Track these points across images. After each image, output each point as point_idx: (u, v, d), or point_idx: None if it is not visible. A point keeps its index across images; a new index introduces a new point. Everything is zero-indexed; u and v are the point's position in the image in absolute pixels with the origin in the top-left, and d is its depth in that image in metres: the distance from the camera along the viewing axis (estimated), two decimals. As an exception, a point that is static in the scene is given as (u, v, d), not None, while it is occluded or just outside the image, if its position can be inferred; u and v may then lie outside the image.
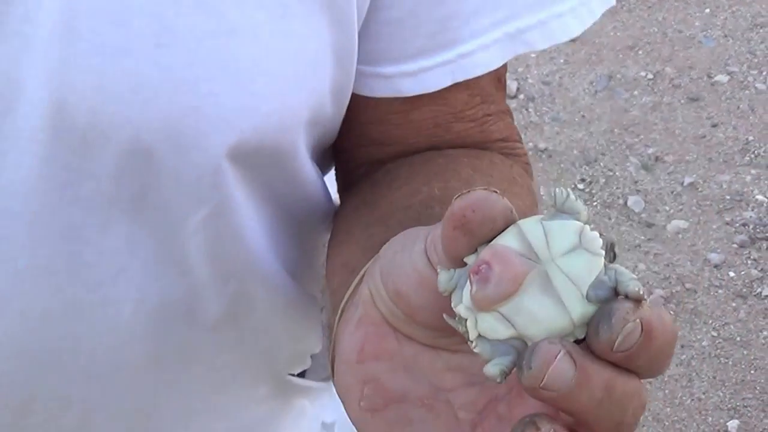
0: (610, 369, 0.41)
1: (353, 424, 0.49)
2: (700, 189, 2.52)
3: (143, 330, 0.60)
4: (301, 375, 0.75)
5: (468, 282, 0.42)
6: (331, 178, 0.69)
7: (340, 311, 0.52)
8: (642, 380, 0.42)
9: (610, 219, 2.45)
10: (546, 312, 0.41)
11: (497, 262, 0.41)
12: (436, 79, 0.62)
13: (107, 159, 0.53)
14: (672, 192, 2.52)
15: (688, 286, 2.30)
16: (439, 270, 0.43)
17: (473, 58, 0.62)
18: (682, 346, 2.19)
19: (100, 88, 0.51)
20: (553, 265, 0.41)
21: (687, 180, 2.53)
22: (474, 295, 0.41)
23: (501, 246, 0.41)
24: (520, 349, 0.41)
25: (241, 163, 0.57)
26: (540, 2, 0.62)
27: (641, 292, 0.40)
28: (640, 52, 2.86)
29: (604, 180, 2.55)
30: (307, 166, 0.62)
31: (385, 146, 0.65)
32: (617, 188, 2.53)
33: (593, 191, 2.52)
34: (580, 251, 0.41)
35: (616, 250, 0.42)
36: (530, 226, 0.41)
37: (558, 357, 0.40)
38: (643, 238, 2.42)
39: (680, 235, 2.41)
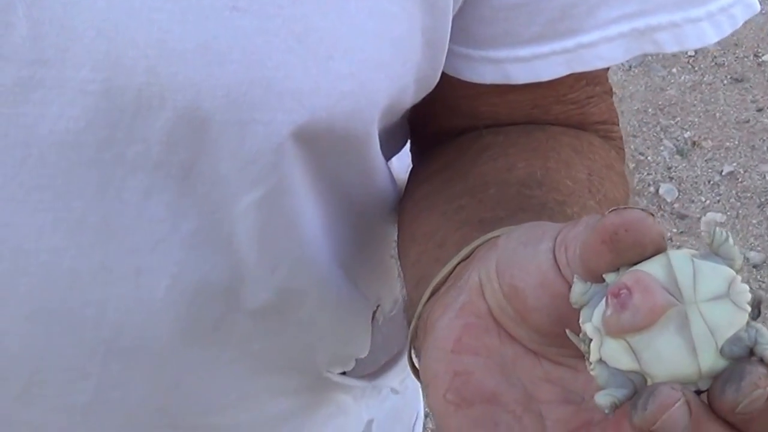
0: (724, 428, 0.41)
1: (432, 412, 0.49)
2: (740, 179, 2.52)
3: (177, 307, 0.60)
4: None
5: (603, 301, 0.42)
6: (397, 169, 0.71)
7: (431, 289, 0.53)
8: None
9: None
10: (676, 355, 0.41)
11: (639, 291, 0.42)
12: (550, 67, 0.64)
13: (160, 122, 0.53)
14: (709, 181, 2.52)
15: (722, 285, 2.32)
16: (575, 280, 0.44)
17: (595, 50, 0.63)
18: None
19: (162, 46, 0.51)
20: (695, 309, 0.41)
21: (726, 169, 2.53)
22: (607, 318, 0.42)
23: (646, 274, 0.42)
24: (638, 385, 0.42)
25: (305, 145, 0.57)
26: (676, 3, 0.63)
27: None
28: (681, 26, 2.86)
29: (634, 164, 2.54)
30: (377, 156, 0.63)
31: (477, 120, 0.67)
32: (648, 174, 2.52)
33: None
34: (726, 301, 0.41)
35: (763, 308, 0.42)
36: (680, 260, 0.42)
37: (677, 405, 0.40)
38: (674, 230, 2.42)
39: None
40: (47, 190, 0.54)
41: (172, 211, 0.57)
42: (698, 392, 0.42)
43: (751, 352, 0.41)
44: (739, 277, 0.42)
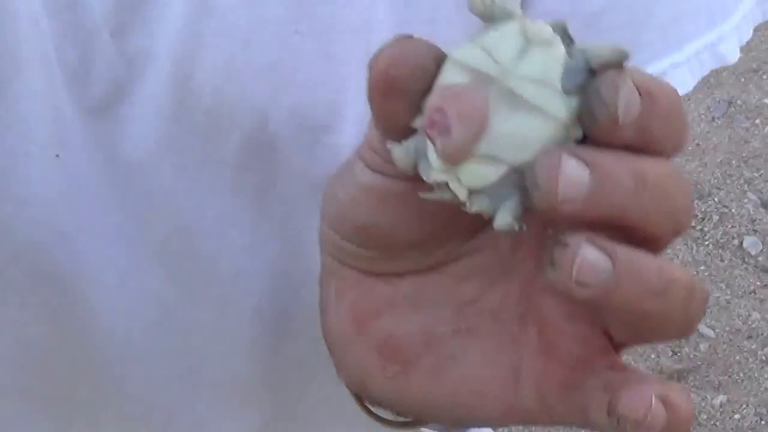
0: (629, 155, 0.38)
1: (388, 404, 0.46)
2: (826, 232, 2.55)
3: (260, 342, 0.58)
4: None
5: (428, 143, 0.38)
6: None
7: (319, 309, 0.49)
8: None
9: (722, 261, 2.43)
10: (528, 127, 0.37)
11: (450, 103, 0.37)
12: None
13: (231, 145, 0.52)
14: None
15: (808, 341, 2.33)
16: (390, 148, 0.40)
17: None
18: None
19: (227, 69, 0.51)
20: (512, 76, 0.37)
21: (812, 222, 2.57)
22: (442, 151, 0.37)
23: (445, 86, 0.38)
24: (520, 183, 0.38)
25: None
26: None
27: (621, 51, 0.37)
28: (765, 77, 2.83)
29: (717, 217, 2.53)
30: None
31: None
32: (732, 227, 2.51)
33: (705, 229, 2.51)
34: (533, 49, 0.38)
35: (570, 31, 0.38)
36: (466, 51, 0.38)
37: (562, 161, 0.37)
38: (759, 284, 2.40)
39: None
40: (131, 215, 0.54)
41: (251, 239, 0.56)
42: (581, 142, 0.38)
43: (592, 72, 0.37)
44: (527, 20, 0.38)
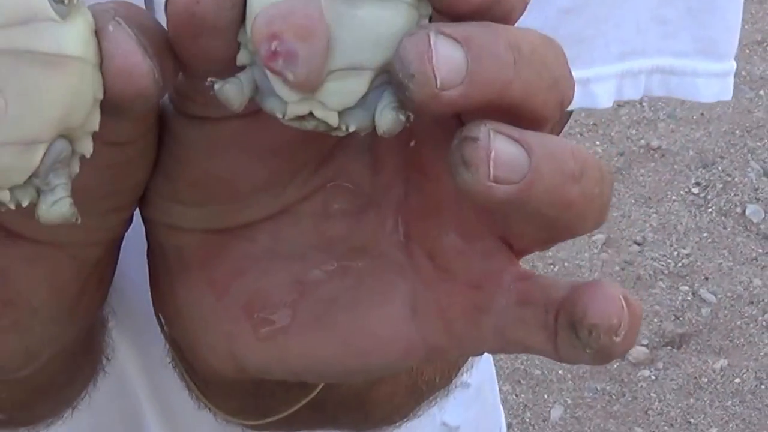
0: (497, 25, 0.32)
1: (269, 372, 0.38)
2: (827, 200, 2.51)
3: None
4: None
5: (270, 76, 0.31)
6: None
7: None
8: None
9: (725, 228, 2.41)
10: (377, 19, 0.31)
11: (283, 25, 0.30)
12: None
13: None
14: None
15: (809, 308, 2.29)
16: (215, 88, 0.32)
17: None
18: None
19: None
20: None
21: (814, 189, 2.52)
22: (295, 81, 0.31)
23: (267, 7, 0.30)
24: (393, 81, 0.31)
25: None
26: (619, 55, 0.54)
27: None
28: (770, 48, 2.85)
29: (721, 185, 2.50)
30: None
31: None
32: (735, 195, 2.49)
33: (709, 197, 2.49)
34: None
35: None
36: None
37: (432, 42, 0.30)
38: (760, 251, 2.38)
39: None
40: None
41: None
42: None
43: None
44: None
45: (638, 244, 2.41)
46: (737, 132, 2.60)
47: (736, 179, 2.51)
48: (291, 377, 0.39)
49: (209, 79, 0.32)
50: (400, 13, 0.31)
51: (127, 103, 0.31)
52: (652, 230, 2.45)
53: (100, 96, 0.31)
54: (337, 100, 0.31)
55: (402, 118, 0.31)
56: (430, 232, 0.37)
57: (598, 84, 0.53)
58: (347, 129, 0.32)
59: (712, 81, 0.56)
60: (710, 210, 2.45)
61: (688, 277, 2.33)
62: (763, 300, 2.28)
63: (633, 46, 0.54)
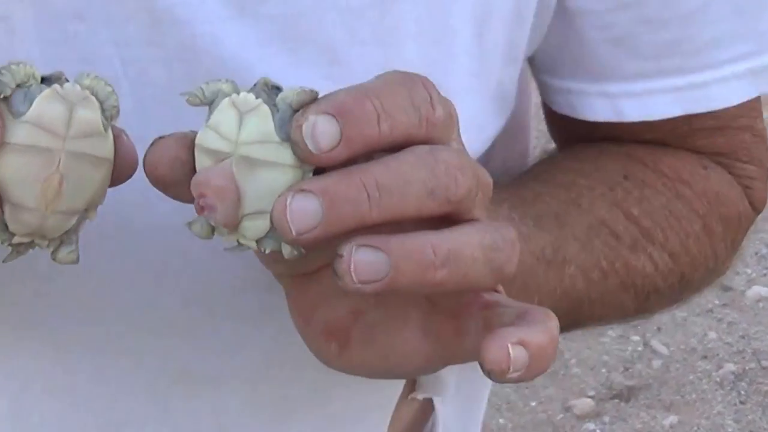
0: (357, 167, 0.43)
1: (348, 374, 0.51)
2: (788, 253, 2.54)
3: None
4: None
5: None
6: None
7: None
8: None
9: None
10: (270, 179, 0.44)
11: (205, 187, 0.44)
12: (662, 105, 0.65)
13: None
14: (756, 253, 2.50)
15: (764, 363, 2.27)
16: (188, 226, 0.46)
17: (707, 90, 0.64)
18: (752, 434, 2.16)
19: None
20: (239, 146, 0.44)
21: (775, 242, 2.56)
22: (216, 224, 0.45)
23: (197, 173, 0.45)
24: None
25: None
26: None
27: (307, 91, 0.44)
28: None
29: None
30: None
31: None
32: None
33: None
34: (246, 117, 0.45)
35: (272, 82, 0.45)
36: (202, 136, 0.45)
37: (288, 200, 0.43)
38: (717, 302, 2.40)
39: (761, 304, 2.39)
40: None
41: None
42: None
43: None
44: (234, 95, 0.45)
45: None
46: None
47: (694, 226, 2.51)
48: (363, 376, 0.52)
49: (187, 222, 0.46)
50: (287, 173, 0.44)
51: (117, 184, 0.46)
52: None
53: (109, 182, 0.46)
54: (251, 233, 0.45)
55: (296, 253, 0.45)
56: None
57: None
58: (265, 250, 0.45)
59: None
60: (666, 257, 2.45)
61: (639, 327, 2.34)
62: (717, 354, 2.28)
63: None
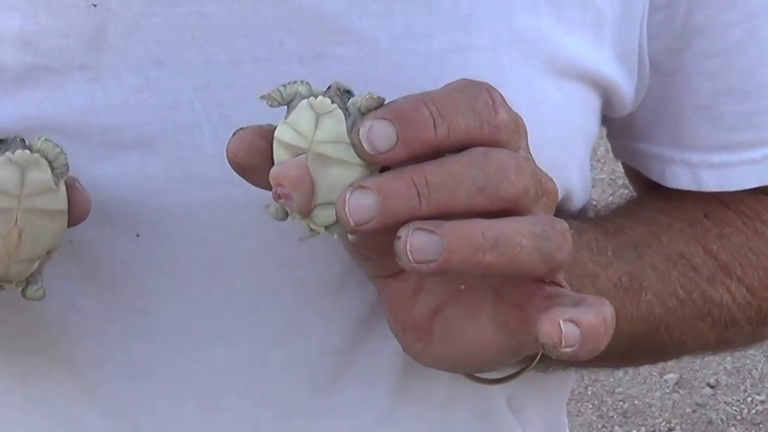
0: (411, 167, 0.46)
1: (436, 368, 0.55)
2: None
3: None
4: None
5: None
6: None
7: None
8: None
9: None
10: (341, 175, 0.48)
11: (282, 176, 0.48)
12: (739, 178, 0.65)
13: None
14: None
15: None
16: (267, 208, 0.50)
17: None
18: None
19: None
20: (315, 143, 0.48)
21: None
22: (291, 211, 0.49)
23: (276, 163, 0.49)
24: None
25: None
26: None
27: (375, 98, 0.47)
28: None
29: None
30: None
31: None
32: None
33: None
34: (322, 118, 0.48)
35: (344, 86, 0.49)
36: (280, 131, 0.49)
37: (347, 196, 0.46)
38: None
39: None
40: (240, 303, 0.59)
41: None
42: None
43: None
44: (312, 98, 0.48)
45: (711, 387, 2.35)
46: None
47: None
48: (447, 371, 0.56)
49: (266, 204, 0.49)
50: (355, 170, 0.47)
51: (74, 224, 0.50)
52: (726, 373, 2.40)
53: (66, 227, 0.50)
54: (321, 220, 0.49)
55: (351, 239, 0.48)
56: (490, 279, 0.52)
57: None
58: (333, 236, 0.49)
59: None
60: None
61: (762, 425, 2.29)
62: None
63: None
